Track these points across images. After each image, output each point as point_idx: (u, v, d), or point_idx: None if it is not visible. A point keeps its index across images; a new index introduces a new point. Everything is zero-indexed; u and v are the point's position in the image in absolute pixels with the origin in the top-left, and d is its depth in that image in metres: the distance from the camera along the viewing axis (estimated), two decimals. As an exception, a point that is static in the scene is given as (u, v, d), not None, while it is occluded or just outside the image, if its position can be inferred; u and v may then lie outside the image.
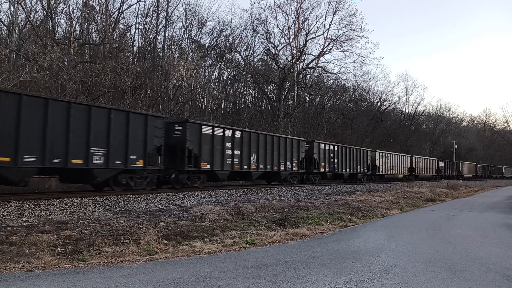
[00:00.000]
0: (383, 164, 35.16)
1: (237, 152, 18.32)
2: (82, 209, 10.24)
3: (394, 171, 37.57)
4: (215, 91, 39.08)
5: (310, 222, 10.74)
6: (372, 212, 14.22)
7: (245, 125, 33.84)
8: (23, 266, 5.62)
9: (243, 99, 45.87)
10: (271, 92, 46.51)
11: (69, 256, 6.23)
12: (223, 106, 42.33)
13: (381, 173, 34.61)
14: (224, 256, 6.86)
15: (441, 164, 51.26)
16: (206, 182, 17.50)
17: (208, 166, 16.84)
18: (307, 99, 48.42)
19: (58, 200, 10.73)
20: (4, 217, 8.53)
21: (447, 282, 5.36)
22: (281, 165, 21.81)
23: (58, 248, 6.45)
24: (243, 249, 7.44)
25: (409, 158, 41.65)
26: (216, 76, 41.82)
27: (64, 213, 9.57)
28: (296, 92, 43.16)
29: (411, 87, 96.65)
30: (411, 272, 5.88)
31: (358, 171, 30.26)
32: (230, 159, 18.01)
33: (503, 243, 8.82)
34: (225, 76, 43.03)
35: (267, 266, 6.10)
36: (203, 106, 37.88)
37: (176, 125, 16.43)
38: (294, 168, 22.77)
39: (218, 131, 17.46)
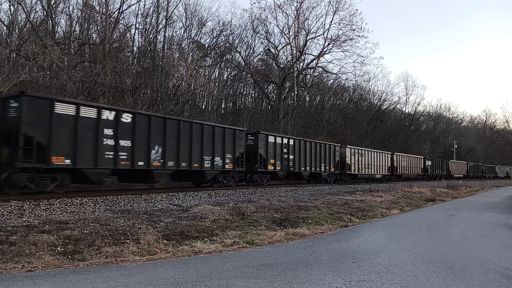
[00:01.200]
0: (356, 162, 30.62)
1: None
2: (82, 209, 10.24)
3: (370, 170, 33.08)
4: (215, 91, 39.07)
5: (310, 222, 10.74)
6: (372, 212, 14.22)
7: (245, 125, 33.83)
8: (23, 266, 5.62)
9: (243, 99, 45.87)
10: (271, 92, 46.52)
11: (69, 256, 6.22)
12: (223, 106, 42.33)
13: (353, 172, 30.27)
14: (224, 256, 6.86)
15: (428, 163, 47.40)
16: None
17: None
18: (307, 99, 48.42)
19: (58, 200, 10.73)
20: (4, 217, 8.53)
21: (447, 282, 5.36)
22: (206, 162, 17.17)
23: (58, 248, 6.45)
24: (243, 249, 7.44)
25: (389, 155, 37.37)
26: (216, 76, 41.83)
27: (64, 213, 9.57)
28: (296, 92, 43.16)
29: (411, 87, 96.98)
30: (411, 272, 5.88)
31: (323, 169, 26.02)
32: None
33: (503, 243, 8.81)
34: (225, 76, 43.05)
35: (267, 266, 6.10)
36: (203, 106, 37.88)
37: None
38: (227, 166, 18.26)
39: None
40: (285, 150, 21.94)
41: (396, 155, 38.74)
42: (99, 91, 22.99)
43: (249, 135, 20.69)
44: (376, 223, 12.01)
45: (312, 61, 45.96)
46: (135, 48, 32.94)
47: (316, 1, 66.36)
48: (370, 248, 7.73)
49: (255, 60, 46.08)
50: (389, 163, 36.89)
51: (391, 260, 6.62)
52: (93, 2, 29.79)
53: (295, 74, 42.28)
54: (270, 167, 21.06)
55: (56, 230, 7.38)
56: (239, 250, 7.39)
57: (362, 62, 50.94)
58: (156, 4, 32.43)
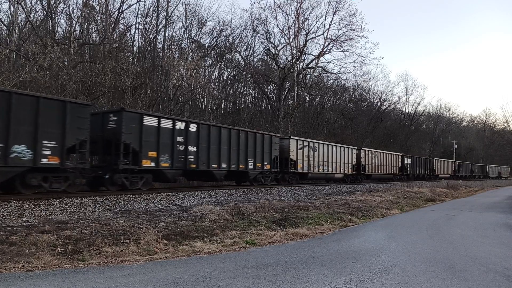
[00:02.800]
0: (306, 158, 24.67)
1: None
2: (82, 209, 10.24)
3: (326, 168, 26.97)
4: (215, 91, 39.07)
5: (310, 222, 10.74)
6: (372, 212, 14.22)
7: (245, 125, 33.83)
8: (23, 266, 5.62)
9: (243, 99, 45.87)
10: (271, 92, 46.51)
11: (69, 256, 6.22)
12: (223, 106, 42.33)
13: (301, 170, 24.15)
14: (224, 256, 6.86)
15: (408, 160, 41.47)
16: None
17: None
18: (307, 99, 48.41)
19: (58, 200, 10.73)
20: (4, 217, 8.53)
21: (447, 282, 5.36)
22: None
23: (58, 248, 6.45)
24: (243, 249, 7.44)
25: (355, 151, 31.39)
26: (216, 76, 41.83)
27: (64, 213, 9.57)
28: (296, 92, 43.15)
29: (411, 87, 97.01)
30: (411, 272, 5.88)
31: (251, 167, 19.85)
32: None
33: (503, 243, 8.82)
34: (225, 76, 43.04)
35: (267, 266, 6.10)
36: (203, 106, 37.88)
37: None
38: (49, 160, 11.35)
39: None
40: (179, 139, 15.90)
41: (364, 150, 32.71)
42: (99, 91, 23.01)
43: (110, 115, 14.40)
44: (376, 223, 12.01)
45: (312, 61, 45.95)
46: (135, 48, 32.95)
47: (316, 1, 66.31)
48: (370, 248, 7.73)
49: (255, 60, 46.10)
50: (355, 160, 30.80)
51: (391, 260, 6.62)
52: (93, 2, 29.79)
53: (295, 74, 42.26)
54: (147, 163, 14.48)
55: (56, 230, 7.39)
56: (239, 250, 7.39)
57: (362, 62, 50.88)
58: (156, 4, 32.43)
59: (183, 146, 15.95)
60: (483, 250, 7.83)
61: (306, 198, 16.49)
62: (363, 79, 66.89)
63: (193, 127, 16.55)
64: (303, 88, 45.16)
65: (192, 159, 16.32)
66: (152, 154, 14.62)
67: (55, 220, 8.51)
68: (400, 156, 39.99)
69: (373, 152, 34.31)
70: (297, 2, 41.82)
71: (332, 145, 28.55)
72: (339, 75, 49.78)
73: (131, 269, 5.72)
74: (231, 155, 18.58)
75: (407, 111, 70.42)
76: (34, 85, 19.46)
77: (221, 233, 8.44)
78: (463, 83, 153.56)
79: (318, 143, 26.97)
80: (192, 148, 16.36)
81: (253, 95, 46.98)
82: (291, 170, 23.53)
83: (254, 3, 70.82)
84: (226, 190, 16.97)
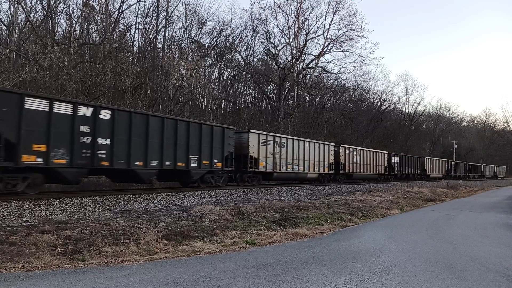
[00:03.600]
0: (269, 156, 21.34)
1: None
2: (82, 209, 10.24)
3: (296, 167, 23.80)
4: (215, 91, 39.08)
5: (310, 222, 10.74)
6: (372, 212, 14.21)
7: (245, 125, 33.84)
8: (23, 266, 5.62)
9: (243, 99, 45.92)
10: (271, 92, 46.56)
11: (69, 256, 6.22)
12: (223, 106, 42.36)
13: (263, 169, 21.03)
14: (224, 256, 6.86)
15: (395, 159, 38.27)
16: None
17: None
18: (307, 99, 48.45)
19: (58, 200, 10.73)
20: (4, 217, 8.53)
21: (447, 282, 5.36)
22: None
23: (58, 248, 6.45)
24: (243, 249, 7.44)
25: (332, 148, 28.27)
26: (216, 76, 41.88)
27: (64, 213, 9.57)
28: (296, 92, 43.17)
29: (411, 87, 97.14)
30: (411, 272, 5.87)
31: (194, 165, 16.44)
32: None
33: (503, 243, 8.81)
34: (225, 76, 43.11)
35: (267, 266, 6.10)
36: (203, 106, 37.90)
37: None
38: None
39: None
40: (84, 129, 12.51)
41: (344, 147, 29.82)
42: (99, 91, 23.02)
43: None
44: (376, 223, 12.01)
45: (312, 61, 46.03)
46: (135, 48, 33.00)
47: (316, 1, 66.69)
48: (370, 248, 7.73)
49: (255, 60, 46.17)
50: (332, 158, 27.99)
51: (391, 260, 6.61)
52: (93, 2, 29.84)
53: (295, 74, 42.30)
54: (31, 159, 11.20)
55: (56, 230, 7.38)
56: (239, 250, 7.39)
57: (362, 62, 51.01)
58: (156, 4, 32.48)
59: (90, 138, 12.57)
60: (483, 250, 7.83)
61: (306, 198, 16.50)
62: (363, 79, 67.19)
63: (105, 114, 13.02)
64: (303, 88, 45.18)
65: (103, 155, 12.90)
66: (39, 147, 11.32)
67: (55, 220, 8.51)
68: (386, 155, 37.10)
69: (354, 149, 31.51)
70: (297, 2, 41.94)
71: (304, 140, 25.36)
72: (339, 75, 49.94)
73: (131, 269, 5.72)
74: (165, 151, 15.00)
75: (407, 111, 70.60)
76: (34, 85, 19.47)
77: (221, 233, 8.44)
78: (463, 83, 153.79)
79: (287, 138, 23.80)
80: (103, 141, 12.92)
81: (253, 95, 47.08)
82: (251, 169, 20.11)
83: (254, 3, 70.98)
84: (226, 190, 16.97)
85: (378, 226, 11.10)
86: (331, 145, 28.45)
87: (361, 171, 31.86)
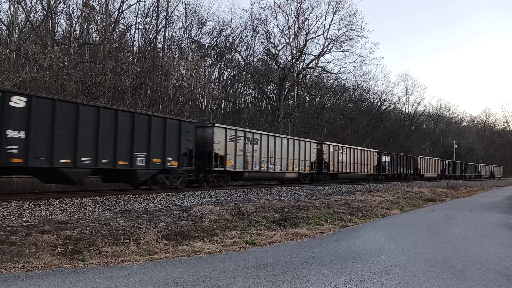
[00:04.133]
0: (239, 153, 18.98)
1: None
2: (82, 209, 10.24)
3: (272, 165, 21.39)
4: (215, 91, 39.09)
5: (310, 222, 10.74)
6: (372, 212, 14.22)
7: (245, 125, 33.84)
8: (23, 266, 5.62)
9: (243, 99, 45.93)
10: (271, 92, 46.57)
11: (69, 256, 6.22)
12: (223, 106, 42.37)
13: (232, 168, 18.61)
14: (224, 256, 6.86)
15: (386, 158, 36.05)
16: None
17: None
18: (307, 99, 48.46)
19: (58, 200, 10.73)
20: (4, 217, 8.54)
21: (447, 282, 5.36)
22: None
23: (58, 248, 6.45)
24: (243, 249, 7.44)
25: (314, 145, 25.85)
26: (216, 76, 41.89)
27: (64, 213, 9.57)
28: (296, 92, 43.18)
29: (411, 87, 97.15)
30: (411, 272, 5.88)
31: (143, 163, 14.13)
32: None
33: (503, 243, 8.82)
34: (225, 76, 43.12)
35: (267, 266, 6.10)
36: (203, 106, 37.91)
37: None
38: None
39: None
40: None
41: (328, 145, 27.42)
42: (99, 91, 23.02)
43: None
44: (376, 223, 12.01)
45: (312, 61, 46.03)
46: (135, 48, 33.00)
47: (316, 1, 66.73)
48: (370, 248, 7.73)
49: (255, 60, 46.18)
50: (315, 156, 25.66)
51: (391, 260, 6.62)
52: (93, 2, 29.84)
53: (295, 74, 42.30)
54: None
55: (56, 230, 7.39)
56: (239, 250, 7.39)
57: (362, 62, 51.02)
58: (156, 4, 32.49)
59: None
60: (483, 250, 7.83)
61: (306, 198, 16.50)
62: (363, 79, 67.21)
63: (17, 102, 10.64)
64: (303, 88, 45.18)
65: (14, 151, 10.52)
66: None
67: (55, 220, 8.51)
68: (376, 153, 34.83)
69: (340, 147, 29.00)
70: (297, 2, 41.93)
71: (281, 137, 22.93)
72: (339, 75, 49.95)
73: (131, 269, 5.72)
74: (101, 146, 12.61)
75: (407, 111, 70.61)
76: (34, 85, 19.48)
77: (221, 233, 8.44)
78: (463, 83, 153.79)
79: (260, 134, 21.04)
80: (14, 134, 10.56)
81: (253, 95, 47.08)
82: (216, 168, 17.65)
83: (254, 3, 70.98)
84: (226, 190, 16.97)
85: (378, 226, 11.10)
86: (313, 142, 26.24)
87: (348, 170, 29.73)
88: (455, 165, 56.70)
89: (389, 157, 36.90)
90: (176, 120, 15.79)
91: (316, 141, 27.05)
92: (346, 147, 30.39)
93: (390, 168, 36.72)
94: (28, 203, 10.05)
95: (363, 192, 20.73)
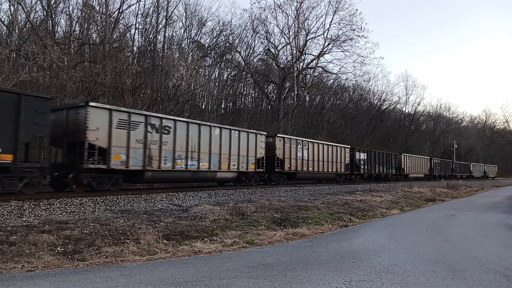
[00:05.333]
0: (138, 146, 14.37)
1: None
2: (82, 209, 10.24)
3: (195, 162, 16.44)
4: (215, 91, 39.08)
5: (310, 222, 10.74)
6: (372, 212, 14.21)
7: (245, 125, 33.79)
8: (23, 266, 5.62)
9: (243, 99, 45.90)
10: (271, 92, 46.55)
11: (69, 256, 6.22)
12: (223, 106, 42.35)
13: (123, 166, 13.93)
14: (224, 256, 6.86)
15: (361, 156, 31.86)
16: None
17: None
18: (307, 99, 48.45)
19: (58, 200, 10.73)
20: (4, 217, 8.53)
21: (447, 282, 5.36)
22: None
23: (58, 248, 6.45)
24: (243, 249, 7.44)
25: (263, 138, 21.31)
26: (216, 76, 41.86)
27: (64, 213, 9.57)
28: (296, 92, 43.17)
29: (411, 87, 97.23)
30: (411, 272, 5.88)
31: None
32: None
33: (503, 243, 8.81)
34: (225, 76, 43.09)
35: (267, 266, 6.10)
36: (203, 106, 37.90)
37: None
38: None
39: None
40: None
41: (282, 138, 23.17)
42: (99, 91, 23.01)
43: None
44: (376, 223, 12.01)
45: (312, 61, 46.02)
46: (135, 48, 32.97)
47: (316, 1, 66.75)
48: (370, 248, 7.73)
49: (255, 60, 46.15)
50: (263, 152, 21.12)
51: (391, 260, 6.61)
52: (93, 2, 29.82)
53: (295, 74, 42.29)
54: None
55: (56, 230, 7.38)
56: (239, 250, 7.39)
57: (362, 62, 50.98)
58: (156, 4, 32.46)
59: None
60: (483, 250, 7.83)
61: (306, 198, 16.49)
62: (363, 79, 67.17)
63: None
64: (303, 88, 45.17)
65: None
66: None
67: (55, 220, 8.51)
68: (348, 149, 30.21)
69: (299, 141, 24.47)
70: (297, 2, 41.91)
71: (210, 126, 17.92)
72: (339, 75, 49.92)
73: (131, 269, 5.71)
74: None
75: (407, 111, 70.62)
76: (34, 85, 19.47)
77: (221, 233, 8.44)
78: (463, 83, 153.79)
79: (175, 120, 16.25)
80: None
81: (253, 95, 47.06)
82: (92, 166, 12.94)
83: (254, 3, 70.96)
84: (226, 190, 16.96)
85: (378, 226, 11.10)
86: (261, 134, 21.41)
87: (310, 169, 25.13)
88: (445, 164, 53.09)
89: (365, 154, 32.59)
90: (14, 94, 10.66)
91: (265, 133, 22.35)
92: (308, 141, 25.78)
93: (366, 167, 32.50)
94: (28, 203, 10.05)
95: (363, 192, 20.73)
